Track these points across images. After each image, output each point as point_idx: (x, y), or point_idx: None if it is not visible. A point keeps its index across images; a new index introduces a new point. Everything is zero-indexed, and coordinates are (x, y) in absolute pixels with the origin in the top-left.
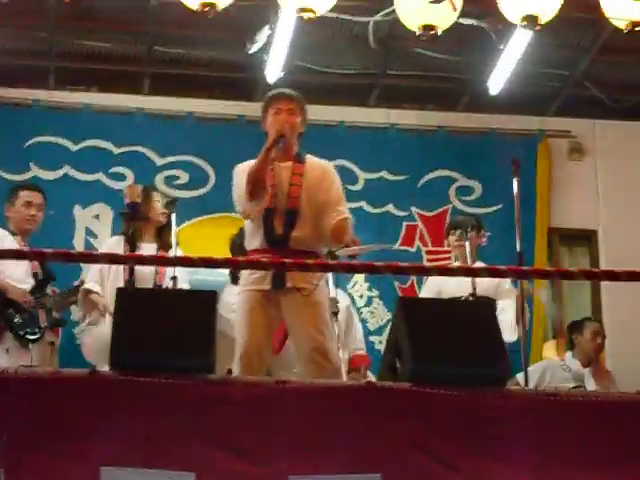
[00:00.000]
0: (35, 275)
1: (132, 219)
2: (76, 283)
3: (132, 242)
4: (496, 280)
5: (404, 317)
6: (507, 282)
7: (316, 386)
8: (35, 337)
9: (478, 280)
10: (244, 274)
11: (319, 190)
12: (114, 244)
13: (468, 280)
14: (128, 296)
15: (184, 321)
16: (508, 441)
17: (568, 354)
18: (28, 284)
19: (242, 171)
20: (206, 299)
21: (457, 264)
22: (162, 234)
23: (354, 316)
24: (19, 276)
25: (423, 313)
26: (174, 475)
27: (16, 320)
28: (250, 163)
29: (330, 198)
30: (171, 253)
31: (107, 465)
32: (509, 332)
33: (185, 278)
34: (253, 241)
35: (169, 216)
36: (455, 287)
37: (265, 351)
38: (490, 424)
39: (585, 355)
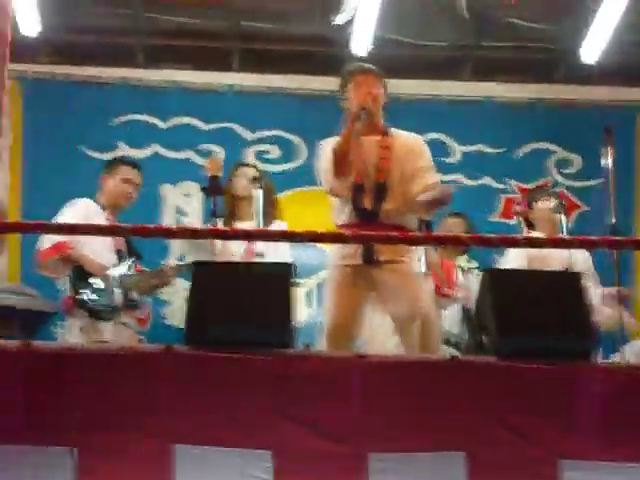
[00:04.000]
0: (119, 252)
1: (213, 193)
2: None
3: (227, 221)
4: (583, 262)
5: (489, 289)
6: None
7: (398, 360)
8: (107, 315)
9: (575, 258)
10: (333, 249)
11: (407, 162)
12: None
13: (563, 256)
14: (204, 270)
15: (261, 295)
16: (596, 416)
17: None
18: (110, 260)
19: (327, 147)
20: (282, 272)
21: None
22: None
23: None
24: (100, 251)
25: (509, 285)
26: (250, 453)
27: (86, 296)
28: (335, 139)
29: (415, 169)
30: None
31: (181, 442)
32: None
33: (285, 254)
34: (341, 215)
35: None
36: (547, 262)
37: (353, 328)
38: (577, 398)
39: None
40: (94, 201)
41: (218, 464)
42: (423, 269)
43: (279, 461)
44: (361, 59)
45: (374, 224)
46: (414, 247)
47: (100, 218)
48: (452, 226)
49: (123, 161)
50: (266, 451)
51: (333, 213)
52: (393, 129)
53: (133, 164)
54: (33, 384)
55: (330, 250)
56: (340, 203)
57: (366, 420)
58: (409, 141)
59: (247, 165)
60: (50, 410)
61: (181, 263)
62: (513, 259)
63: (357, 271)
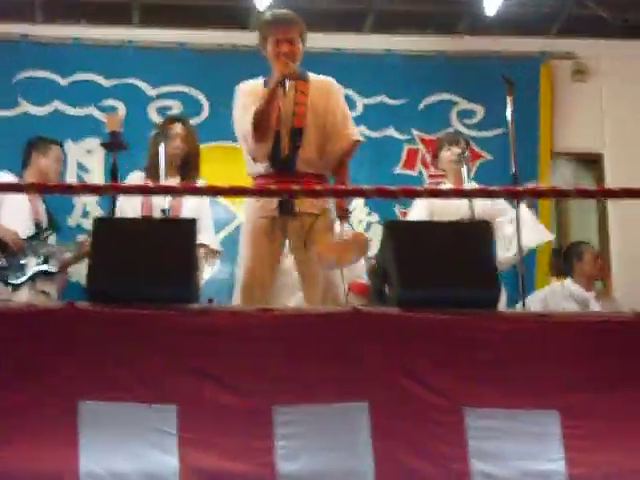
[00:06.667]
0: (37, 223)
1: (113, 149)
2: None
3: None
4: (489, 208)
5: (391, 240)
6: (502, 202)
7: (300, 313)
8: (17, 282)
9: (475, 204)
10: (249, 200)
11: (326, 110)
12: (137, 180)
13: (464, 204)
14: (105, 226)
15: (164, 250)
16: (497, 364)
17: (567, 281)
18: (27, 230)
19: (243, 95)
20: (185, 227)
21: (449, 185)
22: (186, 167)
23: None
24: (18, 221)
25: (410, 236)
26: (155, 408)
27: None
28: (250, 87)
29: (337, 120)
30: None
31: (85, 399)
32: (505, 250)
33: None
34: (257, 167)
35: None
36: (450, 211)
37: (269, 282)
38: (479, 347)
39: (587, 279)
40: (16, 175)
41: (123, 420)
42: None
43: (184, 415)
44: (261, 13)
45: (291, 174)
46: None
47: (24, 198)
48: None
49: (54, 141)
50: (171, 406)
51: (248, 164)
52: (309, 73)
53: (60, 143)
54: None
55: (247, 202)
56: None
57: (270, 373)
58: (325, 85)
59: (180, 121)
60: None
61: None
62: (417, 212)
63: (272, 222)
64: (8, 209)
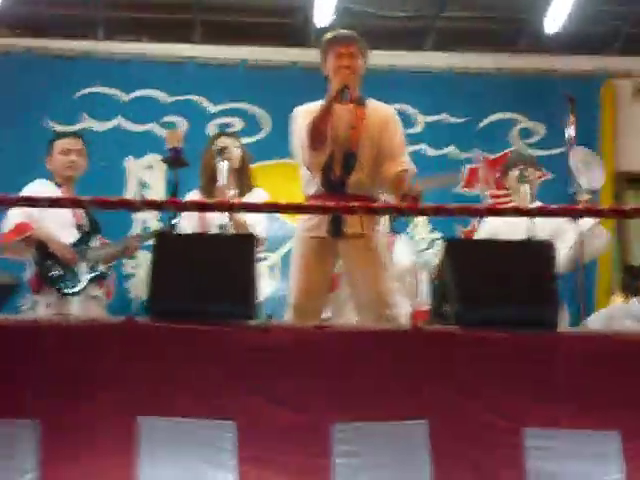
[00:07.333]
0: (79, 227)
1: (174, 166)
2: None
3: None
4: (556, 223)
5: (450, 259)
6: (567, 224)
7: (358, 330)
8: (72, 291)
9: (539, 226)
10: (300, 220)
11: (381, 136)
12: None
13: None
14: (165, 241)
15: (223, 266)
16: (557, 384)
17: (633, 300)
18: (71, 236)
19: (302, 116)
20: (245, 243)
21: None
22: (242, 178)
23: (420, 272)
24: (61, 228)
25: (470, 255)
26: (213, 424)
27: (53, 273)
28: (310, 107)
29: (393, 146)
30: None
31: (145, 415)
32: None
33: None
34: (310, 187)
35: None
36: (512, 231)
37: (319, 300)
38: (539, 367)
39: None
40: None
41: (182, 436)
42: None
43: (243, 432)
44: (323, 30)
45: (342, 195)
46: (381, 219)
47: (57, 195)
48: None
49: (57, 136)
50: (230, 422)
51: (303, 184)
52: (368, 99)
53: (66, 134)
54: None
55: (297, 222)
56: (310, 174)
57: (329, 390)
58: (383, 113)
59: (229, 135)
60: (14, 383)
61: (144, 233)
62: (483, 232)
63: (323, 243)
64: (50, 218)
